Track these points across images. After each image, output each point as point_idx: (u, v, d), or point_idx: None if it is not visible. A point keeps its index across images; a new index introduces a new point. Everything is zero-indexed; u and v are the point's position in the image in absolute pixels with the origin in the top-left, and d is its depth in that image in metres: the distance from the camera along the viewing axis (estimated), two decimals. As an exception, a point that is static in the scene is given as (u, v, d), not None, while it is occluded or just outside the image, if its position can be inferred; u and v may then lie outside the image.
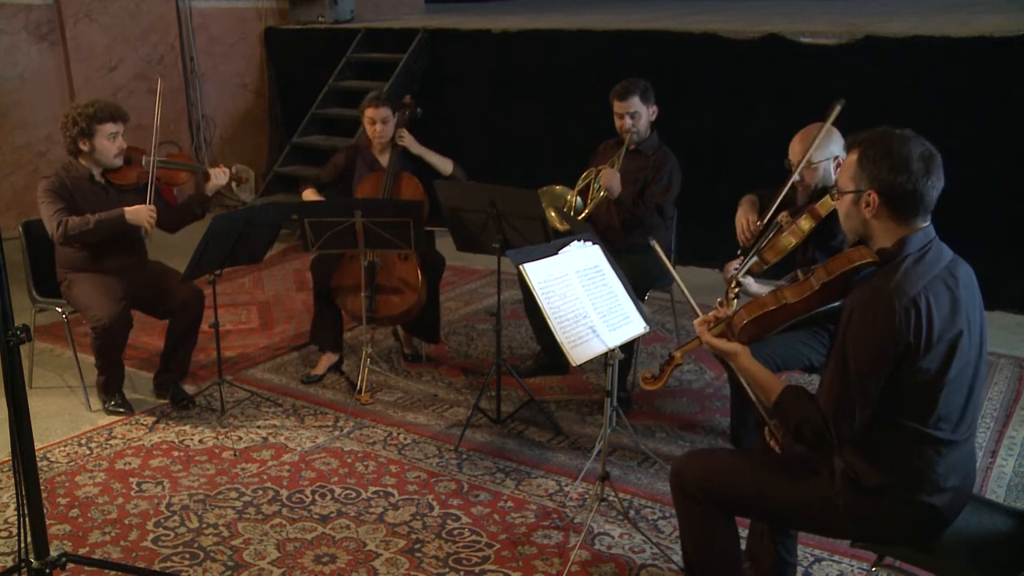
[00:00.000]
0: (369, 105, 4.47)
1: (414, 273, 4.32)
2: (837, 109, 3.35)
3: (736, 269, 3.33)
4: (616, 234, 4.24)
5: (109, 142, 3.93)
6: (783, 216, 3.38)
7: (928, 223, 2.20)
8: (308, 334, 4.68)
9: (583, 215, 4.20)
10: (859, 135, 2.26)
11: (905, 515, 2.21)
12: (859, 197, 2.20)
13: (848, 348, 2.12)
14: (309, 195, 4.47)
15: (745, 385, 2.56)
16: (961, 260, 2.23)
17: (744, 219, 3.56)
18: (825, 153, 3.33)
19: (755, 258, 3.34)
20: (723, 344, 2.41)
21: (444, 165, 4.54)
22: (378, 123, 4.46)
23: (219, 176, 4.16)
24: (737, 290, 3.33)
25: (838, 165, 3.38)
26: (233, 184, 4.26)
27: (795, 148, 3.40)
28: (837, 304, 2.30)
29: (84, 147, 3.93)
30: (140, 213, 3.87)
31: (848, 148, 2.29)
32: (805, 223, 3.26)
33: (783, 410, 2.27)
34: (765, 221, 3.41)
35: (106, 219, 3.85)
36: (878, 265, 2.18)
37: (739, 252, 3.44)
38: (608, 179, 4.10)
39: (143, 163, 4.05)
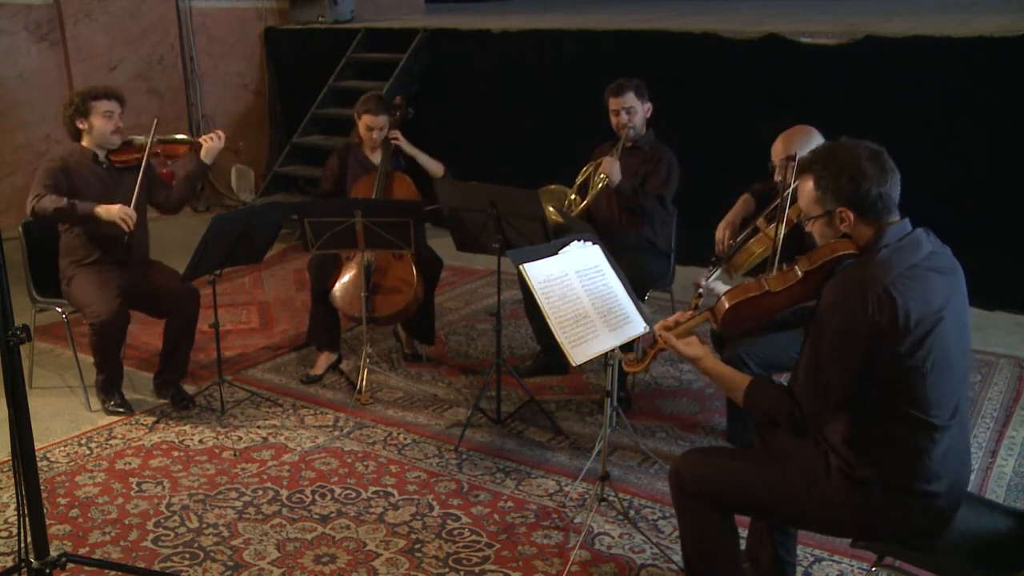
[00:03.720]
0: (368, 112, 4.48)
1: (410, 271, 4.33)
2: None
3: (706, 279, 3.39)
4: (617, 227, 4.25)
5: (105, 119, 3.96)
6: (761, 220, 3.43)
7: (898, 216, 2.24)
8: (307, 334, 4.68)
9: (583, 205, 4.21)
10: (804, 160, 2.33)
11: (902, 506, 2.21)
12: (831, 217, 2.25)
13: (822, 333, 2.17)
14: None
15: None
16: (944, 250, 2.26)
17: (721, 232, 3.66)
18: (806, 151, 3.38)
19: (720, 269, 3.41)
20: (686, 348, 2.45)
21: (435, 168, 4.56)
22: (375, 131, 4.49)
23: (213, 140, 4.16)
24: (701, 295, 3.39)
25: None
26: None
27: (777, 148, 3.47)
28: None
29: (82, 126, 3.98)
30: (111, 213, 3.85)
31: (798, 175, 2.34)
32: (775, 231, 3.32)
33: (753, 403, 2.35)
34: (742, 236, 3.46)
35: (80, 206, 3.84)
36: (856, 255, 2.24)
37: (711, 260, 3.51)
38: (608, 166, 4.11)
39: (142, 142, 4.09)
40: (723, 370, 2.44)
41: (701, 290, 3.43)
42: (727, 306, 2.38)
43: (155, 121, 4.03)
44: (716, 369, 2.44)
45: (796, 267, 2.30)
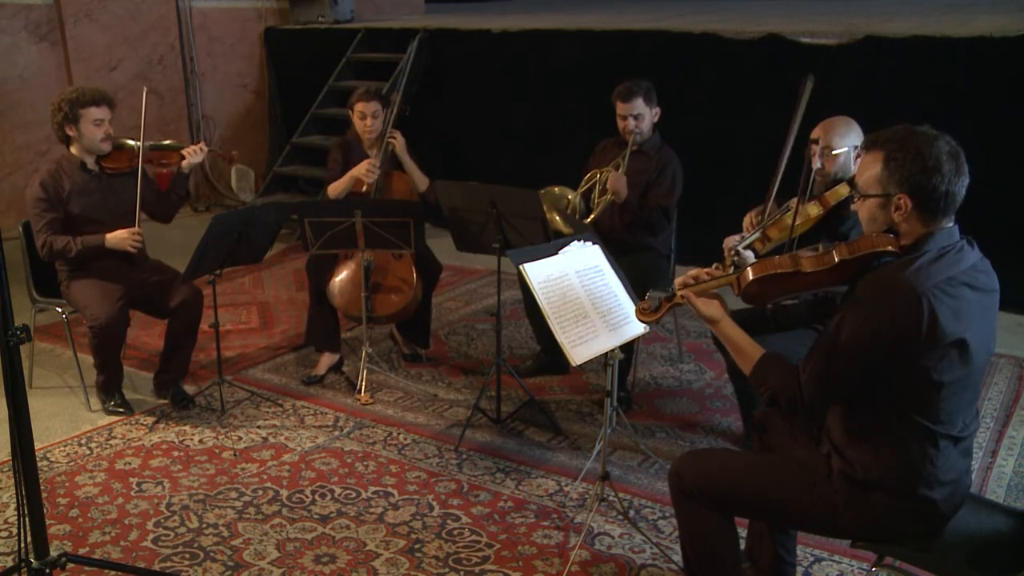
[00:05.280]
0: (359, 100, 4.48)
1: (409, 271, 4.33)
2: (809, 86, 3.38)
3: (737, 241, 3.35)
4: (619, 235, 4.24)
5: (95, 127, 3.92)
6: (793, 201, 3.41)
7: (953, 223, 2.17)
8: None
9: (589, 220, 4.17)
10: (879, 135, 2.22)
11: (903, 510, 2.21)
12: (887, 201, 2.16)
13: (844, 324, 2.13)
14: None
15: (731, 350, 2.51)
16: (986, 267, 2.21)
17: (748, 218, 3.60)
18: (846, 142, 3.36)
19: (758, 234, 3.36)
20: (705, 308, 2.39)
21: (421, 181, 4.53)
22: (368, 117, 4.46)
23: (193, 154, 4.14)
24: (736, 259, 3.36)
25: (858, 155, 3.41)
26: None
27: (816, 134, 3.44)
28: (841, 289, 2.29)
29: (71, 133, 3.94)
30: (122, 240, 3.91)
31: (867, 149, 2.23)
32: (812, 209, 3.30)
33: (760, 376, 2.30)
34: (780, 209, 3.43)
35: (88, 246, 3.90)
36: (897, 255, 2.17)
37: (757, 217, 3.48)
38: (615, 183, 4.07)
39: (133, 147, 4.06)
40: (740, 337, 2.36)
41: (735, 256, 3.40)
42: (753, 277, 2.32)
43: (142, 124, 3.96)
44: (733, 334, 2.36)
45: (834, 252, 2.23)
